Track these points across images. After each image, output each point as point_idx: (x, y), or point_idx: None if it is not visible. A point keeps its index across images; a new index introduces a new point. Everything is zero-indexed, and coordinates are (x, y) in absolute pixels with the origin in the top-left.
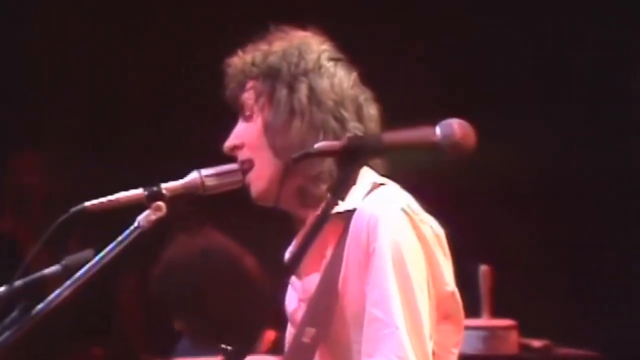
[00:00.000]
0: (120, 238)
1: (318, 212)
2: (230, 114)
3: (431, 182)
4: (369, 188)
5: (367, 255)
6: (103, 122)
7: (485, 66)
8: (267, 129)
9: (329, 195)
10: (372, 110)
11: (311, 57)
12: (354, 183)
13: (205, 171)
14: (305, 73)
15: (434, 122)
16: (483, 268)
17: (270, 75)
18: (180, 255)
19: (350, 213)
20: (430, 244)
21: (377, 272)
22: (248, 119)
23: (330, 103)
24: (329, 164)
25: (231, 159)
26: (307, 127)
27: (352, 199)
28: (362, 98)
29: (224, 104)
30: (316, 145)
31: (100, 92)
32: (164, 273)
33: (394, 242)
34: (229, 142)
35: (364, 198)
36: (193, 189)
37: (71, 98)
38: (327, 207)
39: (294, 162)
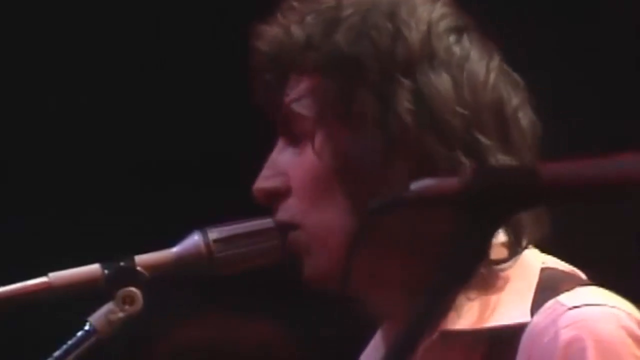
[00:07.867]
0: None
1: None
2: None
3: None
4: (535, 280)
5: None
6: None
7: None
8: (341, 168)
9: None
10: (528, 126)
11: (416, 32)
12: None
13: (215, 232)
14: (408, 64)
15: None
16: None
17: (342, 68)
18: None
19: (501, 333)
20: None
21: None
22: (296, 142)
23: (455, 121)
24: (436, 222)
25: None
26: (414, 166)
27: (507, 306)
28: (512, 103)
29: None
30: (413, 186)
31: None
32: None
33: None
34: (265, 183)
35: (534, 306)
36: (192, 263)
37: None
38: (433, 314)
39: (372, 219)
